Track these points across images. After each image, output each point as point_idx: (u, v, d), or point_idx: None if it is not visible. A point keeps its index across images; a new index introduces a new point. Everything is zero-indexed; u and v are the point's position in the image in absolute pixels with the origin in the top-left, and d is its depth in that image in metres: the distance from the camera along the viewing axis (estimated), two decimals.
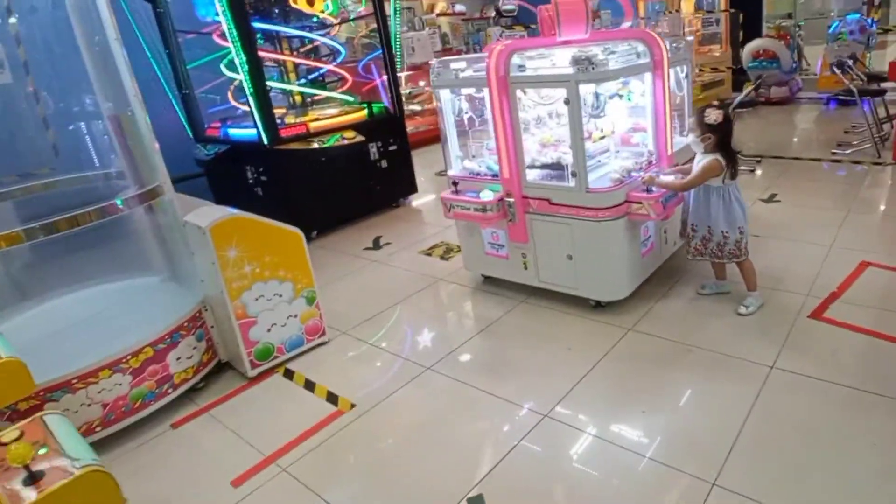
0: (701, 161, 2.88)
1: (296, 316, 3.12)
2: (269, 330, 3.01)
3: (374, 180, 5.56)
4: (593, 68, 2.67)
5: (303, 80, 5.80)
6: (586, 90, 2.92)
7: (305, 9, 5.53)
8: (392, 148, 5.70)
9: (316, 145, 5.18)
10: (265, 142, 4.84)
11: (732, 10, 8.14)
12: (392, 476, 2.25)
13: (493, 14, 10.03)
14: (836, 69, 5.75)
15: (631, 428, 2.32)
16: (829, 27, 7.21)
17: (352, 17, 6.33)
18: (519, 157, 3.10)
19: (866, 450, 2.04)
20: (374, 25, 5.83)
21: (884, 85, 5.73)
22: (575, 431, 2.34)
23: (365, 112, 5.61)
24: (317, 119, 5.34)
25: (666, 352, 2.81)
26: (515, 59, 2.97)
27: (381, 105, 5.77)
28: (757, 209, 4.50)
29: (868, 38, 6.88)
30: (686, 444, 2.19)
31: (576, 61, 2.70)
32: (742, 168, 3.89)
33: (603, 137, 3.36)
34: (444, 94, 3.50)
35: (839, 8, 8.22)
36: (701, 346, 2.79)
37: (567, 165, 3.02)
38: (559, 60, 2.89)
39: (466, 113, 3.55)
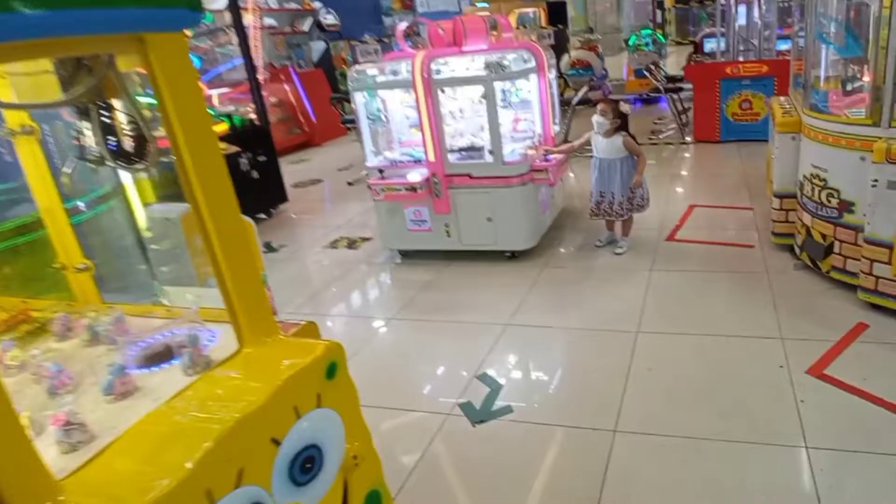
0: (615, 140, 4.60)
1: None
2: None
3: (246, 192, 6.64)
4: (503, 70, 4.39)
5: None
6: (498, 87, 4.62)
7: None
8: (261, 159, 6.87)
9: None
10: None
11: (559, 27, 10.87)
12: (404, 379, 3.62)
13: (308, 28, 11.58)
14: (645, 73, 8.46)
15: (572, 319, 4.01)
16: (628, 40, 10.14)
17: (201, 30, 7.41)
18: (442, 143, 4.68)
19: (720, 296, 4.01)
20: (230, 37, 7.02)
21: (681, 84, 8.54)
22: (534, 329, 3.95)
23: (226, 124, 6.72)
24: None
25: (575, 276, 4.63)
26: (432, 65, 4.57)
27: (240, 117, 6.87)
28: None
29: (660, 48, 9.88)
30: (609, 318, 3.93)
31: (488, 65, 4.39)
32: (585, 154, 5.94)
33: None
34: (360, 98, 4.96)
35: (630, 24, 11.34)
36: (597, 269, 4.68)
37: (483, 147, 4.69)
38: (472, 65, 4.57)
39: (382, 112, 5.05)
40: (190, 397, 1.41)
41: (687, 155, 7.93)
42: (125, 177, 2.41)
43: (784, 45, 8.20)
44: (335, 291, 4.90)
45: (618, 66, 11.71)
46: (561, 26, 11.23)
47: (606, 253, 4.93)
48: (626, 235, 4.97)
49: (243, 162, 6.55)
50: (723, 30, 9.16)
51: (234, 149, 6.39)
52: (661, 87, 8.40)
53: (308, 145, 11.06)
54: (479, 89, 4.51)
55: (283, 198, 7.19)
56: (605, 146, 4.66)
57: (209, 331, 1.77)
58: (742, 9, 8.20)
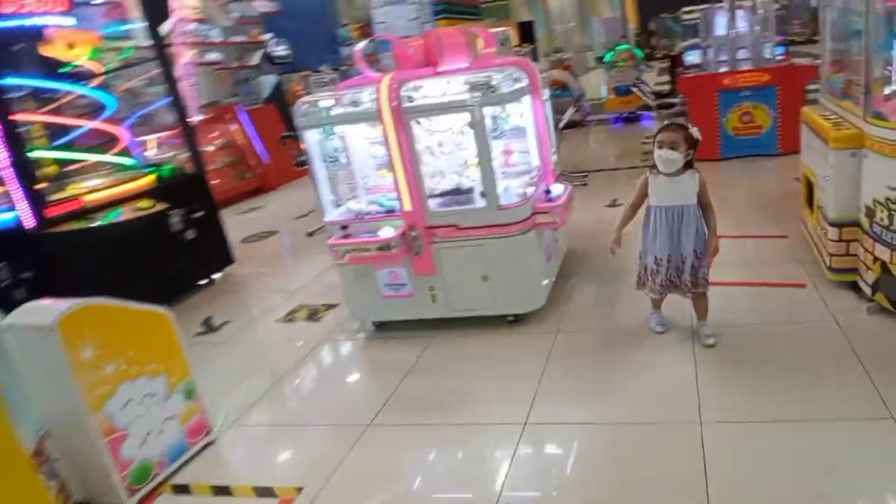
0: (687, 179, 3.27)
1: (173, 417, 3.04)
2: (143, 442, 2.89)
3: (179, 256, 5.57)
4: (492, 92, 3.48)
5: (60, 143, 5.68)
6: (488, 113, 3.70)
7: (62, 56, 5.56)
8: (197, 214, 5.80)
9: (98, 223, 5.09)
10: (28, 226, 4.57)
11: (534, 46, 10.13)
12: None
13: (258, 62, 10.67)
14: (633, 89, 7.68)
15: (608, 409, 3.04)
16: (603, 58, 9.40)
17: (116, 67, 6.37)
18: (420, 187, 3.73)
19: (791, 360, 3.08)
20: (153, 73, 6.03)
21: (671, 99, 7.78)
22: (562, 428, 2.97)
23: (152, 176, 5.67)
24: (93, 191, 5.27)
25: (597, 344, 3.67)
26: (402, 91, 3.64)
27: (170, 167, 5.80)
28: (609, 213, 5.82)
29: (637, 64, 9.16)
30: (657, 404, 2.99)
31: (474, 87, 3.47)
32: (576, 183, 5.07)
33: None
34: (313, 136, 3.99)
35: (601, 42, 10.67)
36: (622, 332, 3.72)
37: (472, 188, 3.75)
38: (452, 88, 3.64)
39: (340, 152, 4.08)
40: None
41: None
42: None
43: (779, 51, 7.58)
44: (292, 387, 3.84)
45: (590, 85, 11.01)
46: (535, 45, 10.47)
47: (628, 310, 3.98)
48: (705, 318, 3.53)
49: (174, 221, 5.50)
50: (704, 42, 8.50)
51: (160, 206, 5.39)
52: (650, 104, 7.55)
53: (260, 191, 10.00)
54: (463, 117, 3.58)
55: (227, 259, 6.08)
56: (672, 190, 3.31)
57: None
58: (736, 14, 7.47)
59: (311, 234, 7.00)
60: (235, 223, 7.29)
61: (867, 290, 3.54)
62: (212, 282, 5.91)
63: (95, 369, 2.71)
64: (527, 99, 3.94)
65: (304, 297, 5.12)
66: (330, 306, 4.82)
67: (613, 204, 6.17)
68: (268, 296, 5.42)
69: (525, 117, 4.04)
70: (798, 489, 2.36)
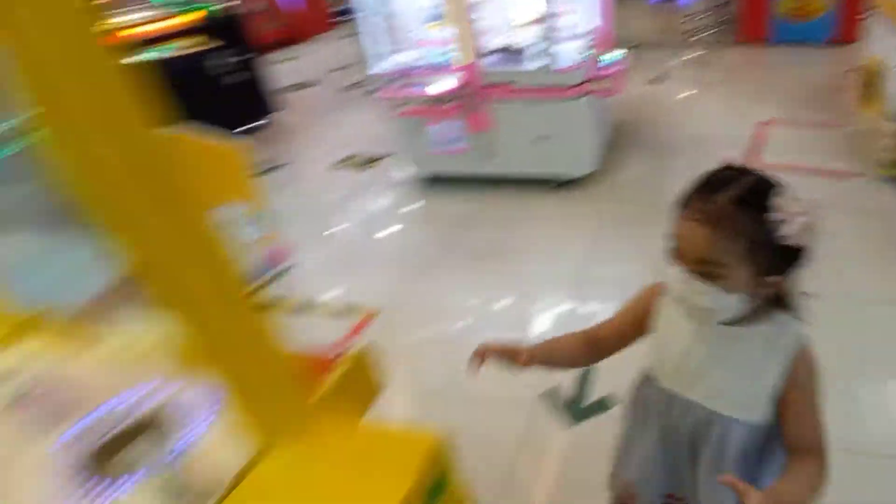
0: (744, 340, 1.17)
1: (251, 244, 3.19)
2: None
3: (231, 96, 5.62)
4: None
5: None
6: None
7: None
8: (248, 55, 5.82)
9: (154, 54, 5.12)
10: None
11: None
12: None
13: None
14: None
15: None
16: None
17: None
18: (476, 42, 3.78)
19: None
20: None
21: None
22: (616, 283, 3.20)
23: (203, 12, 5.59)
24: (135, 25, 5.25)
25: (645, 216, 3.63)
26: None
27: (213, 6, 5.70)
28: (651, 90, 5.80)
29: None
30: None
31: None
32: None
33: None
34: None
35: None
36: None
37: (523, 48, 3.80)
38: None
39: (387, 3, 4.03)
40: None
41: (732, 60, 6.60)
42: None
43: None
44: (352, 228, 4.14)
45: None
46: None
47: (679, 185, 4.13)
48: None
49: (225, 63, 5.57)
50: None
51: (212, 44, 5.44)
52: None
53: (292, 42, 9.83)
54: None
55: (275, 105, 6.19)
56: (701, 362, 1.21)
57: (177, 398, 1.07)
58: None
59: (351, 89, 7.04)
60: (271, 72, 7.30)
61: None
62: (260, 126, 6.01)
63: None
64: None
65: (354, 146, 5.29)
66: (379, 157, 5.02)
67: (656, 81, 6.14)
68: (317, 143, 5.60)
69: None
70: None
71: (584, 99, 3.85)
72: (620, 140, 4.73)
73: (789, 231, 1.02)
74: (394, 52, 4.19)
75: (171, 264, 0.78)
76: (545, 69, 3.74)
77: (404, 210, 4.34)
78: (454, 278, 3.45)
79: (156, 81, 0.76)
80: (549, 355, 1.37)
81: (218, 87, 5.54)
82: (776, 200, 1.02)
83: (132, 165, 0.72)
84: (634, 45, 7.29)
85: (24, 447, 1.03)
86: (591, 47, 3.97)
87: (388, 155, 4.92)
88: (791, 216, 1.02)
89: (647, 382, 1.32)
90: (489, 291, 3.29)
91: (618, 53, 4.07)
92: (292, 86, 7.46)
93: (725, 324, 1.13)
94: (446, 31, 3.81)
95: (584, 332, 1.41)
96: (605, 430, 1.53)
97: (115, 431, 1.01)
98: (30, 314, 1.37)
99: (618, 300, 1.41)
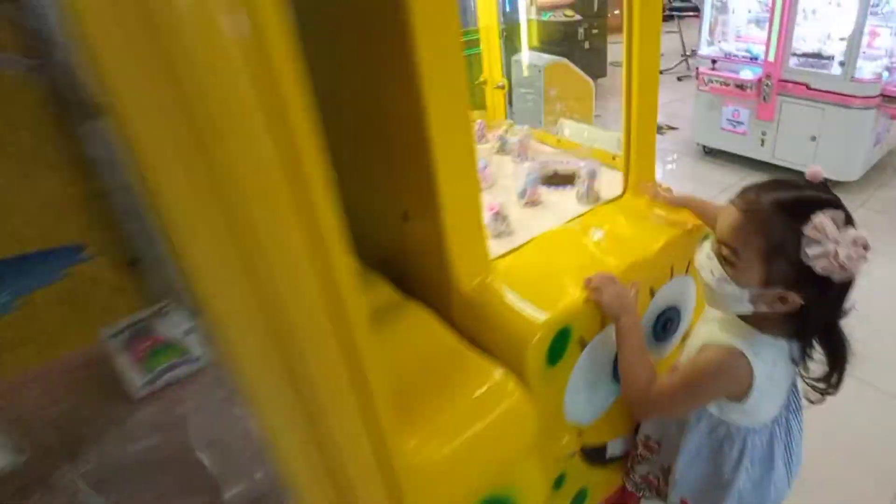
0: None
1: None
2: None
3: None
4: None
5: None
6: None
7: None
8: (594, 31, 7.15)
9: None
10: None
11: None
12: None
13: None
14: None
15: None
16: None
17: None
18: (788, 43, 4.51)
19: None
20: None
21: None
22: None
23: None
24: None
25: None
26: None
27: None
28: None
29: None
30: None
31: None
32: None
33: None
34: None
35: None
36: None
37: (832, 56, 4.46)
38: None
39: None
40: (589, 224, 1.55)
41: None
42: None
43: None
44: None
45: None
46: None
47: None
48: None
49: (581, 31, 6.89)
50: None
51: (576, 17, 6.76)
52: None
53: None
54: None
55: (602, 71, 7.39)
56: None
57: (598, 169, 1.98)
58: None
59: (662, 72, 7.95)
60: None
61: None
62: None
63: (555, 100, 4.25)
64: None
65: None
66: (672, 128, 5.95)
67: None
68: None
69: None
70: None
71: (872, 111, 4.41)
72: (890, 163, 5.04)
73: (814, 252, 1.01)
74: (720, 40, 5.12)
75: None
76: (845, 76, 4.35)
77: (679, 170, 5.23)
78: None
79: None
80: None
81: (575, 52, 6.85)
82: (817, 219, 1.01)
83: None
84: None
85: None
86: (890, 68, 4.50)
87: (678, 128, 5.85)
88: (825, 240, 1.00)
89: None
90: None
91: None
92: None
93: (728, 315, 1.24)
94: (766, 32, 4.58)
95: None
96: None
97: None
98: None
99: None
